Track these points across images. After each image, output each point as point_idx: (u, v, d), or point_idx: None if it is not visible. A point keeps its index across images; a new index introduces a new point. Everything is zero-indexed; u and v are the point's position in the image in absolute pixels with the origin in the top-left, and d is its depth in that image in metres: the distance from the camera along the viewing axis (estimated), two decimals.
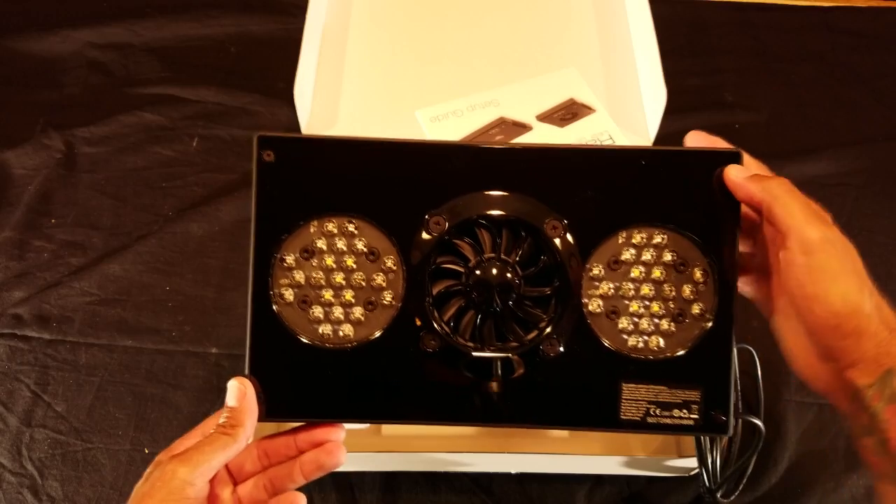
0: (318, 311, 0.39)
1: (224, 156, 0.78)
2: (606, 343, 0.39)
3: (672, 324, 0.39)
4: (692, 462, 0.53)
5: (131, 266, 0.70)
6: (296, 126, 0.68)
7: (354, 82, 0.74)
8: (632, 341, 0.39)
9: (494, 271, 0.38)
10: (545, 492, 0.59)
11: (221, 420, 0.37)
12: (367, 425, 0.54)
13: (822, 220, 0.37)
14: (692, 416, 0.39)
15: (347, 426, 0.54)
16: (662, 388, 0.39)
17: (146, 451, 0.61)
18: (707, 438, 0.51)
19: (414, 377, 0.39)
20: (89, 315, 0.67)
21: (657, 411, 0.39)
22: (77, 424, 0.62)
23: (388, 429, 0.56)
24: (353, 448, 0.55)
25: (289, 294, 0.39)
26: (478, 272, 0.38)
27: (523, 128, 0.69)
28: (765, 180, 0.37)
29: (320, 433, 0.40)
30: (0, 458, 0.60)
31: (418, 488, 0.59)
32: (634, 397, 0.39)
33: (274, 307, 0.39)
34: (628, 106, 0.72)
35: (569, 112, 0.71)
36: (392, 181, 0.39)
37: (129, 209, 0.74)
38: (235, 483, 0.40)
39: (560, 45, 0.77)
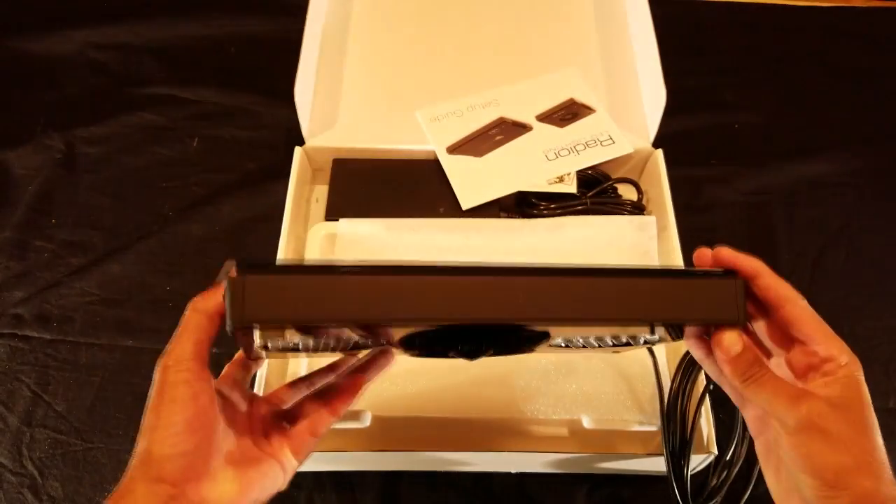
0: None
1: (224, 156, 0.78)
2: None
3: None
4: (693, 462, 0.53)
5: (132, 266, 0.70)
6: (296, 126, 0.68)
7: (354, 82, 0.74)
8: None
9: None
10: (545, 492, 0.59)
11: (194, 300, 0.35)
12: (368, 424, 0.54)
13: (801, 399, 0.32)
14: None
15: (347, 425, 0.54)
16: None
17: None
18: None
19: None
20: (90, 315, 0.67)
21: None
22: (77, 424, 0.62)
23: (388, 429, 0.56)
24: (353, 448, 0.55)
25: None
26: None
27: (523, 128, 0.70)
28: (750, 370, 0.34)
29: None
30: (0, 458, 0.60)
31: (418, 488, 0.59)
32: None
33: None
34: (628, 106, 0.72)
35: (569, 112, 0.71)
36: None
37: (129, 209, 0.74)
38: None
39: (560, 45, 0.77)
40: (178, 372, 0.33)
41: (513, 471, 0.59)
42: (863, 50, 0.89)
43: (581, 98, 0.72)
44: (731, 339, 0.33)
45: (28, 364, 0.65)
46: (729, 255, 0.34)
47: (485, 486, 0.59)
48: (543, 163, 0.67)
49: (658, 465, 0.54)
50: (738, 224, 0.74)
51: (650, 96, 0.70)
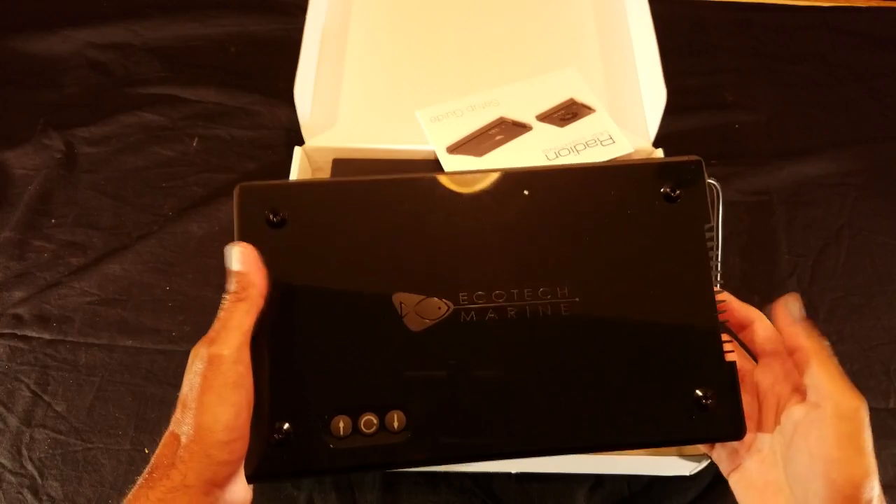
0: None
1: (224, 156, 0.78)
2: None
3: None
4: (693, 462, 0.53)
5: (131, 266, 0.70)
6: (296, 126, 0.68)
7: (354, 82, 0.74)
8: None
9: None
10: (545, 492, 0.59)
11: (232, 288, 0.37)
12: None
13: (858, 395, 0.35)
14: None
15: None
16: None
17: (146, 451, 0.61)
18: None
19: None
20: (89, 315, 0.67)
21: None
22: (77, 424, 0.62)
23: None
24: None
25: None
26: None
27: (523, 128, 0.70)
28: (808, 336, 0.37)
29: None
30: (0, 458, 0.60)
31: (418, 488, 0.59)
32: None
33: None
34: (628, 106, 0.72)
35: (569, 112, 0.71)
36: None
37: (129, 209, 0.74)
38: None
39: (560, 45, 0.77)
40: (229, 366, 0.34)
41: (513, 471, 0.59)
42: (863, 50, 0.89)
43: (581, 98, 0.72)
44: (795, 304, 0.38)
45: (28, 364, 0.65)
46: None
47: (485, 486, 0.59)
48: (543, 162, 0.67)
49: (658, 465, 0.54)
50: (738, 224, 0.74)
51: (650, 96, 0.70)
